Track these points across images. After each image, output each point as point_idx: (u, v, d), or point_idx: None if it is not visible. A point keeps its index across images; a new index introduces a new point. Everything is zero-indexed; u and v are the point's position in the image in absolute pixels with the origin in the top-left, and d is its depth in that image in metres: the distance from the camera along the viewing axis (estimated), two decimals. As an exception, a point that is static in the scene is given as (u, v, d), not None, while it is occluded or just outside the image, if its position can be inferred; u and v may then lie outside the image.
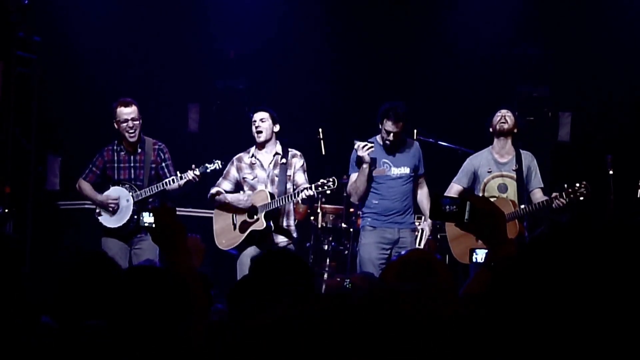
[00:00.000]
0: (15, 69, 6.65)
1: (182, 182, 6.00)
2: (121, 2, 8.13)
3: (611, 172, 5.92)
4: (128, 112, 6.07)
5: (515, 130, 6.04)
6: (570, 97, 7.98)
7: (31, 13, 6.66)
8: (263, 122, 6.07)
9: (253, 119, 6.13)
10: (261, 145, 6.13)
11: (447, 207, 2.15)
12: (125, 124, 6.06)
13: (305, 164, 6.16)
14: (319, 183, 5.76)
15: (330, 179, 5.73)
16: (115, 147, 6.20)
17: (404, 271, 2.12)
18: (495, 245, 2.17)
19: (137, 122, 6.09)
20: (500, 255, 2.16)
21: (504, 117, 5.99)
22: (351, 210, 7.11)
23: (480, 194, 5.97)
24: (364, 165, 5.95)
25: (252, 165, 6.16)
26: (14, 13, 6.53)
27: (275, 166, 6.12)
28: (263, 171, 6.13)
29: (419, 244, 6.20)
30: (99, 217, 6.16)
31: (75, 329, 2.42)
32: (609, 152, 6.18)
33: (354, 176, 6.09)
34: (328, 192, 5.78)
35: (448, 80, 8.10)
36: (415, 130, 6.85)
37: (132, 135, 6.09)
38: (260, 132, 6.08)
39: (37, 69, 6.90)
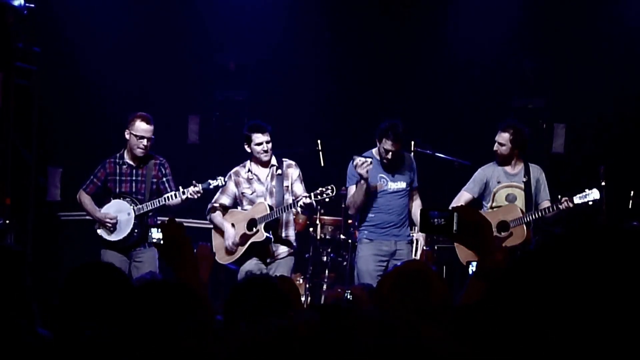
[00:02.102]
0: (15, 80, 6.67)
1: (183, 197, 6.00)
2: (121, 13, 8.13)
3: (604, 183, 5.97)
4: (147, 129, 6.02)
5: (519, 146, 5.99)
6: (564, 109, 8.02)
7: (30, 24, 6.67)
8: (269, 144, 6.05)
9: (257, 140, 6.05)
10: (264, 163, 6.14)
11: (436, 220, 2.19)
12: (141, 140, 6.01)
13: (301, 174, 6.19)
14: (318, 191, 5.78)
15: (329, 187, 5.75)
16: (117, 160, 6.18)
17: (400, 282, 2.14)
18: (484, 254, 2.21)
19: (151, 142, 6.07)
20: (489, 264, 2.21)
21: (498, 145, 5.97)
22: (349, 221, 7.13)
23: (490, 204, 6.05)
24: (362, 182, 5.97)
25: (249, 180, 6.17)
26: (14, 24, 6.54)
27: (272, 178, 6.14)
28: (261, 185, 6.14)
29: (415, 255, 6.23)
30: (99, 230, 6.16)
31: (73, 339, 2.43)
32: (602, 163, 6.22)
33: (352, 189, 6.12)
34: (327, 200, 5.79)
35: (444, 92, 8.14)
36: (412, 142, 6.88)
37: (142, 151, 6.06)
38: (267, 153, 6.07)
39: (36, 80, 6.91)
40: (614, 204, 6.18)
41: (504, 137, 5.96)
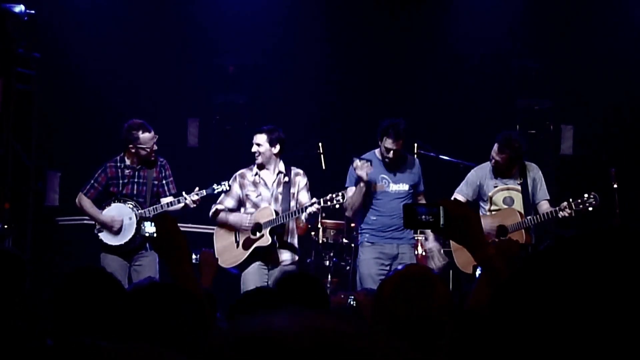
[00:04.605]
0: (15, 85, 6.65)
1: (180, 205, 5.98)
2: (120, 17, 8.15)
3: (615, 185, 5.89)
4: (152, 136, 6.02)
5: (516, 161, 5.90)
6: (572, 109, 7.96)
7: (31, 30, 6.67)
8: (259, 147, 6.00)
9: (253, 141, 6.06)
10: (261, 166, 6.09)
11: (424, 216, 2.12)
12: (151, 149, 6.03)
13: (308, 183, 6.13)
14: (327, 197, 5.72)
15: (339, 194, 5.70)
16: (118, 164, 6.13)
17: (401, 286, 2.10)
18: (474, 248, 2.17)
19: (156, 143, 6.09)
20: (480, 257, 2.17)
21: (494, 160, 5.88)
22: (352, 225, 7.08)
23: (488, 207, 5.98)
24: (362, 184, 5.91)
25: (255, 184, 6.10)
26: (14, 29, 6.53)
27: (278, 185, 6.07)
28: (267, 190, 6.08)
29: (433, 264, 6.15)
30: (100, 234, 6.10)
31: (73, 346, 2.38)
32: (613, 165, 6.15)
33: (350, 191, 6.06)
34: (337, 206, 5.75)
35: (448, 94, 8.11)
36: (415, 144, 6.84)
37: (153, 156, 6.10)
38: (257, 156, 6.03)
39: (36, 85, 6.90)
40: (627, 206, 6.09)
41: (501, 156, 5.87)
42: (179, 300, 2.09)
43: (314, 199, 5.85)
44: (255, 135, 6.03)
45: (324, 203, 5.72)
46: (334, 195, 5.70)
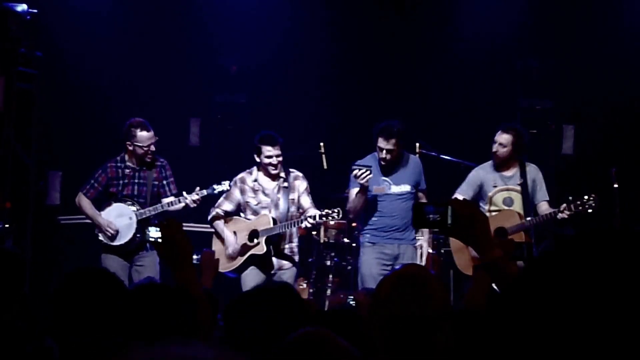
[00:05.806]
0: (17, 84, 6.65)
1: (181, 205, 5.96)
2: (122, 17, 8.14)
3: (616, 185, 5.88)
4: (150, 136, 5.97)
5: (518, 148, 5.92)
6: (573, 109, 7.95)
7: (33, 29, 6.67)
8: (279, 158, 5.93)
9: (267, 153, 5.92)
10: (272, 176, 6.02)
11: (431, 215, 2.14)
12: (147, 149, 5.98)
13: (308, 186, 6.10)
14: (324, 213, 5.71)
15: (336, 210, 5.69)
16: (119, 164, 6.12)
17: (398, 285, 2.11)
18: (482, 248, 2.17)
19: (155, 144, 6.03)
20: (488, 258, 2.17)
21: (498, 145, 5.89)
22: (354, 225, 7.07)
23: (488, 207, 5.96)
24: (362, 191, 5.89)
25: (255, 190, 6.07)
26: (16, 29, 6.53)
27: (278, 190, 6.05)
28: (267, 197, 6.05)
29: (420, 260, 6.15)
30: (100, 234, 6.08)
31: (76, 347, 2.39)
32: (613, 165, 6.14)
33: (353, 192, 6.05)
34: (332, 222, 5.74)
35: (450, 93, 8.09)
36: (417, 144, 6.82)
37: (150, 157, 6.04)
38: (275, 168, 5.97)
39: (38, 84, 6.90)
40: (627, 206, 6.08)
41: (505, 138, 5.87)
42: (178, 301, 2.09)
43: (313, 210, 5.82)
44: (272, 147, 5.89)
45: (319, 218, 5.72)
46: (329, 212, 5.70)
